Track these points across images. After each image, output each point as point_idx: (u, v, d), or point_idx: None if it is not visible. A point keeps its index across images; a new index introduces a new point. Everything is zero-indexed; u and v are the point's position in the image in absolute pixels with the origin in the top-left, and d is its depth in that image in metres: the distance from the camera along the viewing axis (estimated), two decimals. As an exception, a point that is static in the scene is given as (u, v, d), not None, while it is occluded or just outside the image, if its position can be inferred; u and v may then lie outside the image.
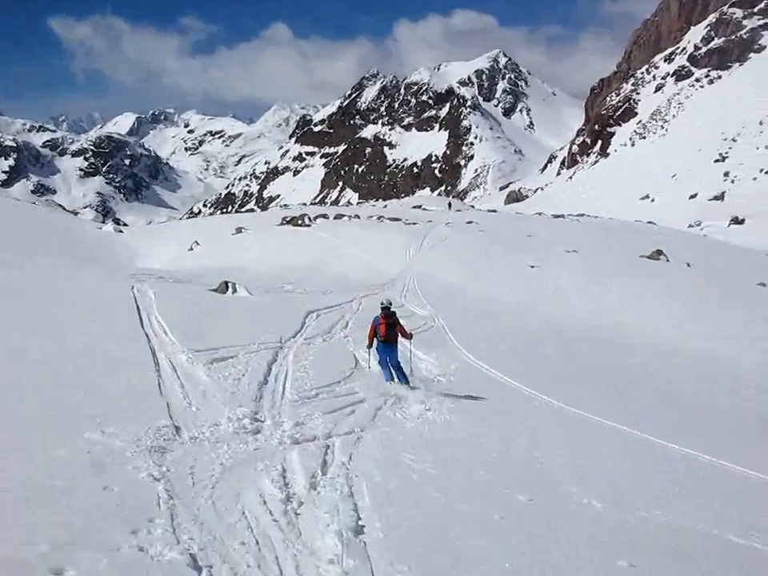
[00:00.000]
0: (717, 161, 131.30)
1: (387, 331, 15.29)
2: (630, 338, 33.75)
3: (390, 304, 16.21)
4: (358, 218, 76.23)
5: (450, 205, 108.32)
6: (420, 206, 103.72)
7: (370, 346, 16.01)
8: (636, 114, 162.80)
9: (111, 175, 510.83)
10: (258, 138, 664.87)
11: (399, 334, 15.64)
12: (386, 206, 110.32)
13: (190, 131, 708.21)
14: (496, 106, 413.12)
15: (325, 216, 74.68)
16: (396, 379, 15.30)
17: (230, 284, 30.74)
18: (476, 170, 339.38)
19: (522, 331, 32.74)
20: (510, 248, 61.54)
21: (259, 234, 66.36)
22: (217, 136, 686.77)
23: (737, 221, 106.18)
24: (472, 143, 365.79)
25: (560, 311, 40.20)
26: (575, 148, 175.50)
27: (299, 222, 69.50)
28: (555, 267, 55.02)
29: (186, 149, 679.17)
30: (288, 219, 71.67)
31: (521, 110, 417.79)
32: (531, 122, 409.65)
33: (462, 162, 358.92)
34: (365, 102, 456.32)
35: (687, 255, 64.85)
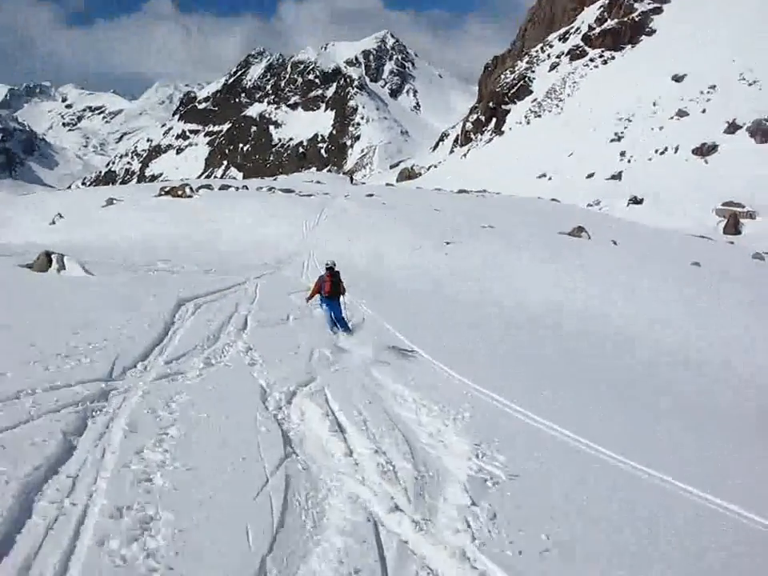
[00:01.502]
0: (612, 140, 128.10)
1: (332, 288, 16.10)
2: (573, 320, 26.90)
3: (334, 264, 16.58)
4: (247, 188, 67.20)
5: (352, 179, 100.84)
6: (314, 181, 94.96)
7: (309, 298, 17.11)
8: (531, 92, 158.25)
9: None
10: (141, 114, 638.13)
11: (341, 289, 16.43)
12: (275, 180, 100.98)
13: (68, 106, 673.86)
14: (383, 87, 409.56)
15: (209, 187, 65.43)
16: (339, 329, 16.00)
17: (54, 257, 21.26)
18: (362, 151, 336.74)
19: (455, 316, 24.92)
20: (419, 223, 54.00)
21: (133, 207, 56.98)
22: (97, 112, 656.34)
23: (635, 200, 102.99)
24: (359, 123, 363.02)
25: (487, 291, 32.92)
26: (469, 125, 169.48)
27: (179, 192, 60.16)
28: (472, 243, 47.85)
29: (63, 124, 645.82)
30: (167, 190, 62.27)
31: (407, 92, 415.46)
32: (418, 104, 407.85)
33: (349, 143, 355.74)
34: (250, 80, 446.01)
35: (606, 234, 59.08)
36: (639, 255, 49.18)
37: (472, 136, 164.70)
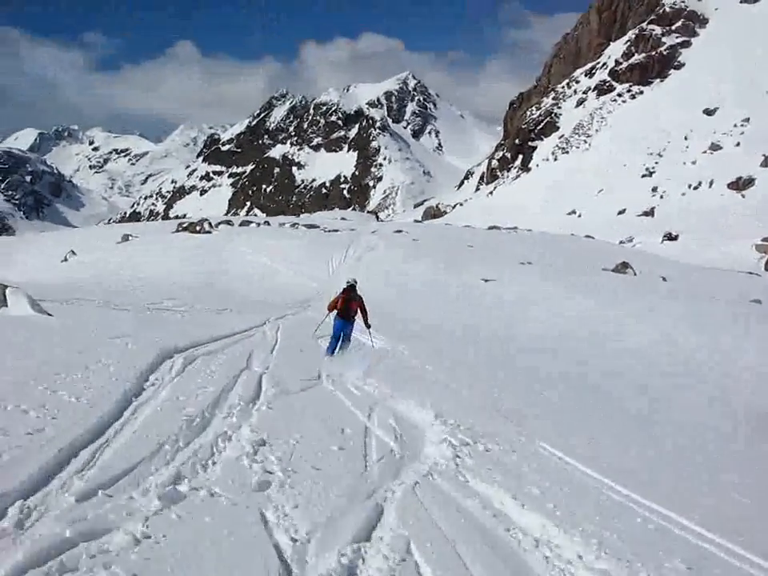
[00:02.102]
0: (644, 176, 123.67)
1: (344, 305, 15.23)
2: (656, 374, 22.55)
3: (355, 282, 15.80)
4: (269, 224, 63.52)
5: (377, 217, 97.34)
6: (339, 218, 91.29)
7: (330, 310, 15.97)
8: (558, 128, 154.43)
9: (11, 192, 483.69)
10: (165, 157, 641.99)
11: (359, 312, 15.54)
12: (298, 217, 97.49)
13: (95, 149, 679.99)
14: (405, 128, 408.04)
15: (229, 223, 61.82)
16: (338, 349, 15.23)
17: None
18: (385, 191, 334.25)
19: (512, 363, 20.72)
20: (452, 260, 49.91)
21: (149, 242, 53.62)
22: (123, 154, 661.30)
23: (670, 237, 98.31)
24: (381, 164, 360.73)
25: (539, 335, 28.76)
26: (495, 163, 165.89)
27: (197, 228, 56.58)
28: (512, 280, 43.76)
29: (90, 167, 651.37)
30: (184, 226, 58.76)
31: (430, 132, 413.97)
32: (440, 144, 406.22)
33: (371, 183, 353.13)
34: (273, 122, 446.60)
35: (650, 270, 54.95)
36: (693, 292, 44.93)
37: (498, 173, 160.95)
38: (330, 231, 59.00)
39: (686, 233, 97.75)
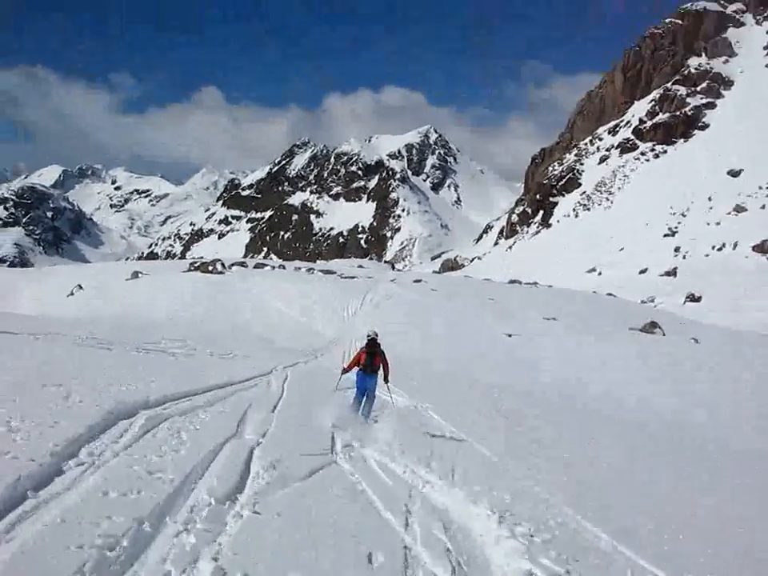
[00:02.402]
0: (666, 235, 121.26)
1: (367, 360, 14.00)
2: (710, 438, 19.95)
3: (376, 335, 14.45)
4: (284, 268, 61.20)
5: (393, 266, 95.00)
6: (356, 266, 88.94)
7: (346, 371, 14.40)
8: (580, 184, 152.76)
9: (32, 227, 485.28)
10: (185, 199, 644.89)
11: (381, 366, 14.19)
12: (314, 263, 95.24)
13: (117, 188, 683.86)
14: (425, 181, 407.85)
15: (243, 264, 59.56)
16: (362, 406, 13.74)
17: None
18: (402, 243, 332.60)
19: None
20: (474, 312, 47.34)
21: (159, 280, 51.51)
22: (144, 195, 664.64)
23: (693, 298, 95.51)
24: (399, 216, 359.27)
25: (571, 396, 26.24)
26: (515, 218, 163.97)
27: (209, 268, 54.32)
28: (537, 337, 41.36)
29: (111, 205, 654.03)
30: (197, 265, 56.59)
31: (449, 186, 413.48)
32: (459, 198, 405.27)
33: (389, 234, 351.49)
34: (294, 169, 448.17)
35: (678, 331, 52.33)
36: (727, 353, 42.28)
37: (518, 228, 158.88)
38: (346, 278, 56.63)
39: (708, 295, 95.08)
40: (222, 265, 55.33)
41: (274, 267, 60.54)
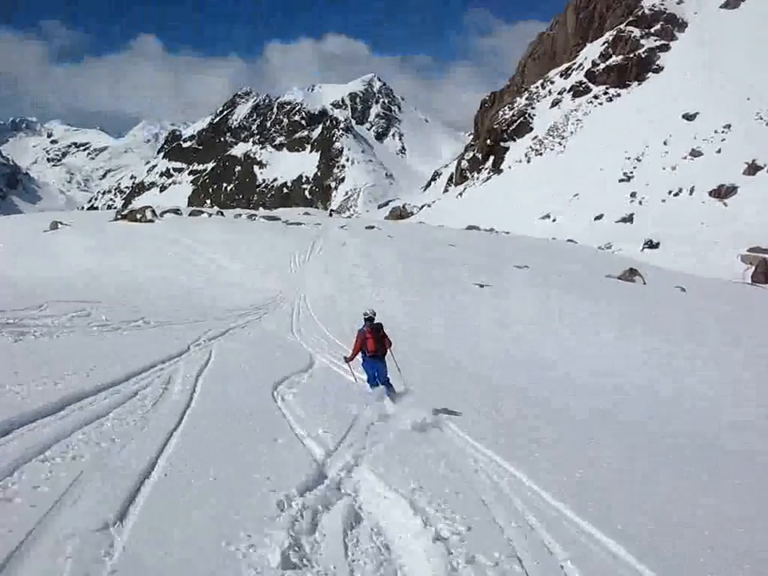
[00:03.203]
0: (621, 180, 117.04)
1: (376, 344, 12.14)
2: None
3: (374, 314, 12.42)
4: (222, 215, 54.65)
5: (330, 214, 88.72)
6: (301, 213, 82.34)
7: (350, 359, 12.56)
8: (531, 129, 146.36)
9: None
10: (125, 152, 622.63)
11: (387, 345, 12.35)
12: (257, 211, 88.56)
13: (54, 141, 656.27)
14: (369, 130, 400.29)
15: (177, 212, 52.90)
16: (385, 393, 11.72)
17: None
18: (347, 193, 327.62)
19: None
20: (437, 260, 41.65)
21: (80, 232, 44.79)
22: (82, 148, 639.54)
23: (651, 244, 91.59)
24: (344, 165, 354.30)
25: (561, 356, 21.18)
26: (465, 164, 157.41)
27: (138, 216, 47.60)
28: (512, 286, 36.02)
29: (48, 159, 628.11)
30: (123, 213, 49.84)
31: (393, 135, 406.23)
32: (403, 147, 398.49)
33: (333, 184, 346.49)
34: (236, 120, 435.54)
35: (653, 278, 48.10)
36: (719, 303, 37.69)
37: (468, 174, 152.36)
38: (292, 224, 50.40)
39: (666, 241, 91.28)
40: (153, 212, 48.71)
41: (211, 215, 53.99)
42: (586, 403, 15.52)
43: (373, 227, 53.73)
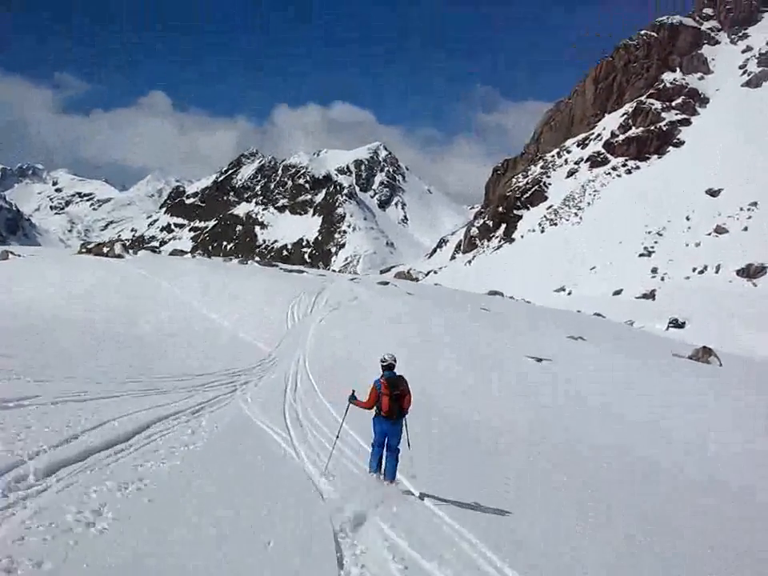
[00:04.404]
0: (642, 255, 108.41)
1: (392, 405, 9.87)
2: None
3: (395, 360, 10.15)
4: (209, 257, 45.52)
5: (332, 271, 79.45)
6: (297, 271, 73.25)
7: (358, 404, 10.10)
8: (546, 198, 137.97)
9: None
10: (129, 205, 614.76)
11: (406, 407, 10.00)
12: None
13: (58, 190, 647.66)
14: (372, 197, 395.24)
15: (153, 250, 43.71)
16: (383, 470, 9.80)
17: None
18: (347, 258, 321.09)
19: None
20: (479, 327, 32.44)
21: (35, 263, 35.67)
22: (85, 198, 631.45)
23: (676, 324, 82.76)
24: (345, 231, 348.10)
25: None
26: (474, 231, 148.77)
27: (105, 250, 38.50)
28: (571, 361, 27.09)
29: (51, 207, 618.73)
30: (89, 247, 40.79)
31: (396, 204, 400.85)
32: (405, 217, 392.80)
33: (333, 249, 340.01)
34: (241, 180, 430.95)
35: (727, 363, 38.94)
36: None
37: (477, 242, 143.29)
38: (292, 272, 41.27)
39: (693, 320, 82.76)
40: (124, 246, 39.65)
41: (194, 256, 44.93)
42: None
43: (387, 283, 44.80)
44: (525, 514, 8.91)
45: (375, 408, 9.88)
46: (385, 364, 10.03)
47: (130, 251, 40.39)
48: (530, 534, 8.04)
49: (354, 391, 10.12)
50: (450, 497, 9.07)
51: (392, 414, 9.89)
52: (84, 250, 41.04)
